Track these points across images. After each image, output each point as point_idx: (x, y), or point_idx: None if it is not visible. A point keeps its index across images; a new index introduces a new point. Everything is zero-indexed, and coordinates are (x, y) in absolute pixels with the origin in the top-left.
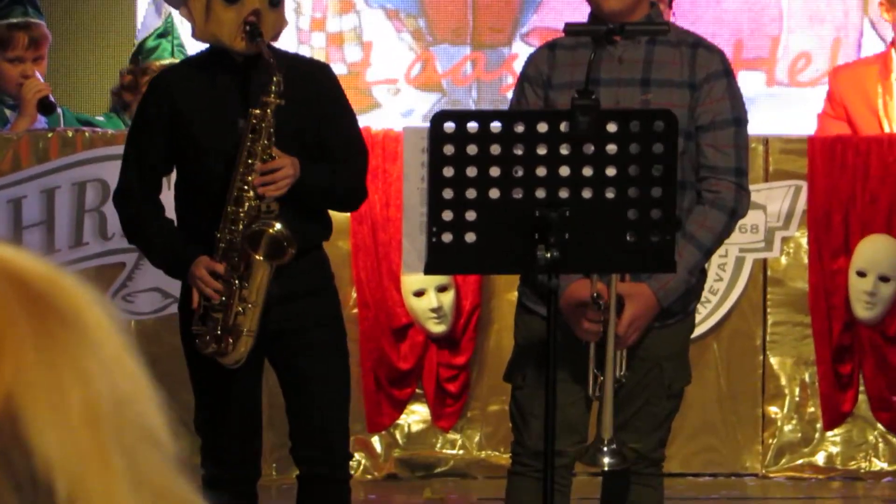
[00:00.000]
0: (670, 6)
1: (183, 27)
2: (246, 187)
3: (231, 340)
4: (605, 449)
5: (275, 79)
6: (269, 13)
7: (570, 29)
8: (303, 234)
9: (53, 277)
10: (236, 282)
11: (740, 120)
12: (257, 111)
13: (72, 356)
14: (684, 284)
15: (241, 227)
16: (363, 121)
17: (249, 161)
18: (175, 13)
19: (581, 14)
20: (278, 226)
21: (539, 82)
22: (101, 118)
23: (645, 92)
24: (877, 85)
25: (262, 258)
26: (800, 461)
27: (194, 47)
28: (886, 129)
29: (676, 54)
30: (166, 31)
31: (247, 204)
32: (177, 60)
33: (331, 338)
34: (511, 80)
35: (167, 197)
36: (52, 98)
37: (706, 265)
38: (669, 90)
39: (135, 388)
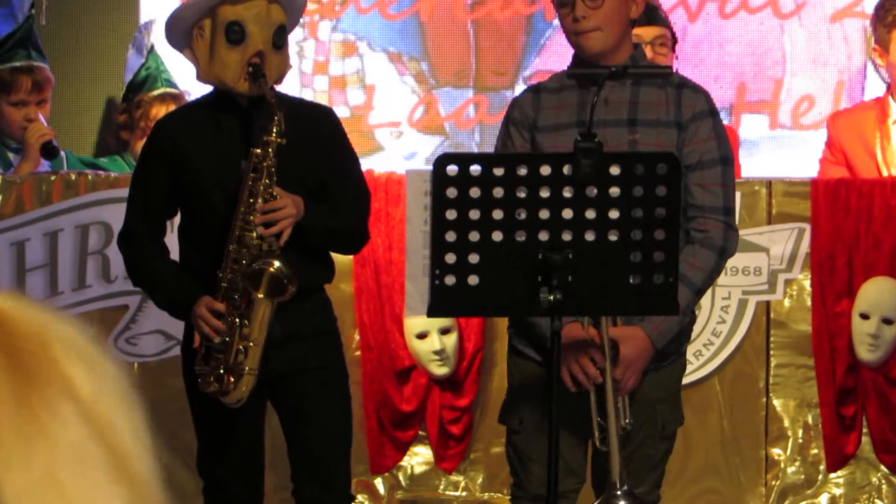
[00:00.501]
0: (673, 49)
1: (167, 59)
2: (248, 227)
3: (232, 379)
4: (619, 493)
5: (276, 118)
6: (272, 55)
7: (573, 73)
8: (306, 276)
9: (44, 337)
10: (237, 320)
11: (727, 159)
12: (258, 150)
13: (47, 431)
14: (677, 325)
15: (242, 266)
16: (366, 164)
17: (251, 200)
18: (158, 46)
19: None
20: (277, 263)
21: (525, 125)
22: (105, 160)
23: (632, 132)
24: (875, 130)
25: (262, 296)
26: (803, 503)
27: (182, 77)
28: (885, 174)
29: (662, 95)
30: (152, 65)
31: (248, 243)
32: (168, 90)
33: (333, 380)
34: None
35: (172, 240)
36: (55, 142)
37: (697, 306)
38: (657, 130)
39: (125, 444)
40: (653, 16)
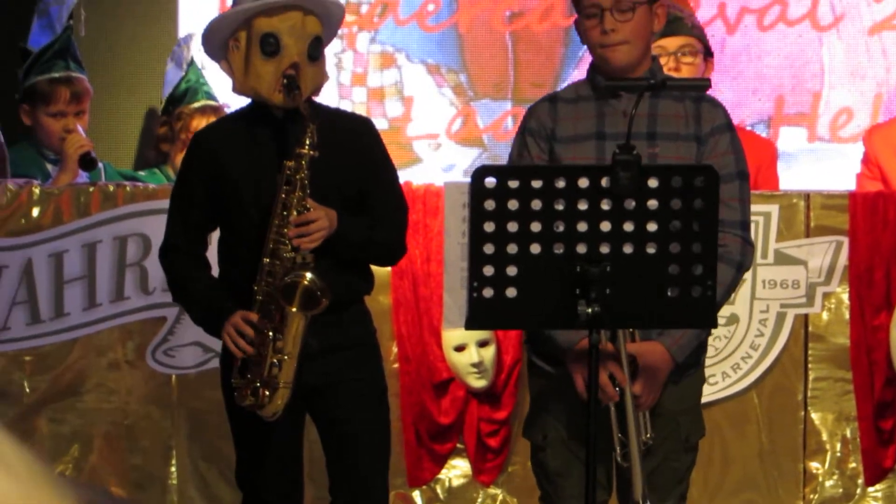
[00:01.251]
0: (706, 60)
1: (208, 70)
2: (281, 239)
3: (267, 393)
4: None
5: (308, 130)
6: (308, 67)
7: (610, 85)
8: (344, 288)
9: None
10: (270, 333)
11: (744, 174)
12: (291, 163)
13: None
14: (696, 338)
15: (277, 279)
16: (404, 175)
17: (284, 213)
18: (198, 59)
19: None
20: (310, 276)
21: (542, 135)
22: (143, 173)
23: (652, 146)
24: None
25: (296, 309)
26: None
27: (223, 91)
28: None
29: (680, 108)
30: (192, 78)
31: (282, 256)
32: (208, 103)
33: (372, 392)
34: None
35: (213, 254)
36: (93, 154)
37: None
38: (676, 143)
39: None
40: (677, 26)
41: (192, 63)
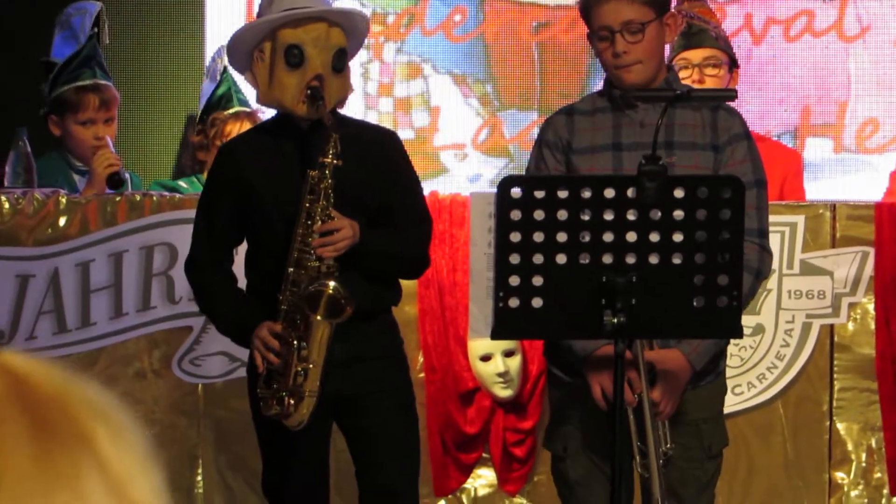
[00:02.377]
0: (731, 71)
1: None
2: (305, 248)
3: (293, 402)
4: None
5: (332, 140)
6: (332, 78)
7: (636, 95)
8: (372, 298)
9: (65, 397)
10: (295, 342)
11: (761, 182)
12: (315, 172)
13: (68, 482)
14: (714, 346)
15: (301, 288)
16: (430, 185)
17: (308, 223)
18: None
19: None
20: (334, 284)
21: (559, 147)
22: (183, 183)
23: (669, 155)
24: None
25: (320, 318)
26: None
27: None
28: None
29: (697, 117)
30: (225, 85)
31: (307, 265)
32: (242, 109)
33: (400, 402)
34: None
35: (239, 267)
36: (122, 173)
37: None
38: (693, 153)
39: (144, 500)
40: (701, 38)
41: (224, 71)
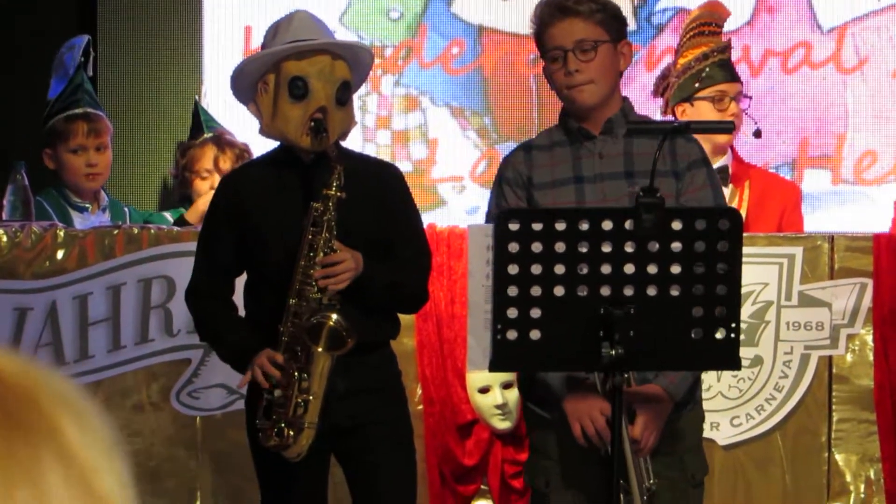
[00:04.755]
0: (736, 98)
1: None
2: (308, 280)
3: (292, 433)
4: None
5: (336, 172)
6: (335, 111)
7: (634, 128)
8: (371, 331)
9: (32, 389)
10: (296, 374)
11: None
12: (318, 204)
13: (30, 478)
14: (691, 375)
15: (303, 320)
16: (428, 218)
17: (310, 254)
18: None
19: (647, 109)
20: (335, 317)
21: (520, 183)
22: (168, 214)
23: (631, 184)
24: None
25: (321, 349)
26: None
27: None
28: None
29: (655, 145)
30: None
31: (309, 297)
32: (206, 135)
33: (398, 434)
34: None
35: (239, 298)
36: None
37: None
38: (655, 181)
39: (109, 491)
40: (735, 73)
41: (196, 104)
